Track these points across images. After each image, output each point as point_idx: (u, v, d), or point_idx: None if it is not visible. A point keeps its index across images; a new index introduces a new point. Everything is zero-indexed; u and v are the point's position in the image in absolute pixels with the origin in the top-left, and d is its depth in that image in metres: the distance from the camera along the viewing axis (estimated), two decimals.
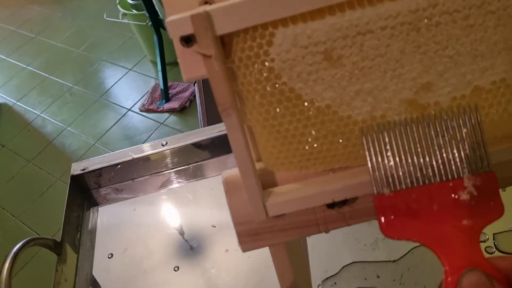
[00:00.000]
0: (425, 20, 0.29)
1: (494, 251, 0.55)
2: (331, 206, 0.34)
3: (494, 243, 0.55)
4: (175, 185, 0.72)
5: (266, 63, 0.30)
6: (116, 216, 0.69)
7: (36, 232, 1.61)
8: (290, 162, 0.33)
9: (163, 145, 0.70)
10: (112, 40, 2.32)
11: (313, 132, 0.31)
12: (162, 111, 1.90)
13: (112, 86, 2.11)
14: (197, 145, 0.67)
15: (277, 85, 0.30)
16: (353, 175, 0.34)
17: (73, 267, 0.62)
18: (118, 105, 1.99)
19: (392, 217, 0.30)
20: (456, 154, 0.29)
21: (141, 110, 1.93)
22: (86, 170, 0.69)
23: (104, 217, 0.70)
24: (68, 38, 2.49)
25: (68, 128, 1.93)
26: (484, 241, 0.56)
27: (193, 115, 1.75)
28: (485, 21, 0.29)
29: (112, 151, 1.78)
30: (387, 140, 0.30)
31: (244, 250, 0.38)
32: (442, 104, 0.31)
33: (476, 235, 0.28)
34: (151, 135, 1.81)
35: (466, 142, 0.29)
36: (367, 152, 0.30)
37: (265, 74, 0.30)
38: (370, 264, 0.56)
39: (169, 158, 0.70)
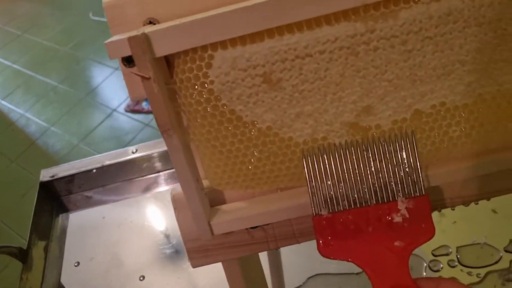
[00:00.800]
0: (363, 45, 0.29)
1: (457, 265, 0.55)
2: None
3: (457, 256, 0.56)
4: (146, 192, 0.71)
5: (206, 85, 0.30)
6: (86, 223, 0.69)
7: (17, 233, 1.60)
8: (235, 181, 0.33)
9: (133, 153, 0.69)
10: (100, 38, 2.30)
11: (256, 153, 0.32)
12: (148, 112, 1.90)
13: (98, 85, 2.10)
14: (164, 152, 0.67)
15: (217, 107, 0.30)
16: (300, 194, 0.34)
17: (39, 275, 0.62)
18: (103, 105, 1.98)
19: (330, 237, 0.31)
20: (392, 178, 0.30)
21: (126, 111, 1.92)
22: (56, 177, 0.69)
23: (74, 224, 0.70)
24: (55, 36, 2.47)
25: (52, 127, 1.92)
26: (447, 255, 0.56)
27: None
28: (423, 47, 0.29)
29: (96, 152, 1.78)
30: (326, 163, 0.30)
31: (194, 266, 0.38)
32: (383, 127, 0.31)
33: (406, 256, 0.29)
34: (136, 136, 1.81)
35: (401, 167, 0.30)
36: (306, 174, 0.30)
37: (205, 96, 0.30)
38: (334, 276, 0.56)
39: (140, 165, 0.70)
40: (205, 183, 0.35)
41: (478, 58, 0.30)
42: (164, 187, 0.73)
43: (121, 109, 1.95)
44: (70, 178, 0.70)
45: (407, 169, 0.30)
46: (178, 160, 0.31)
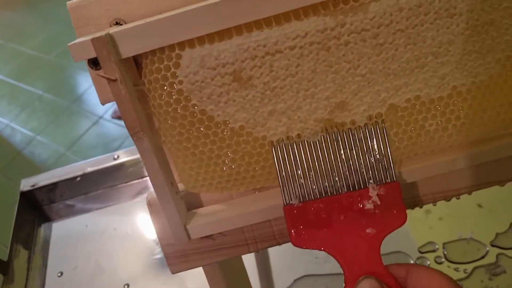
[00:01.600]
0: (334, 40, 0.28)
1: (444, 261, 0.55)
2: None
3: (443, 252, 0.56)
4: (129, 199, 0.70)
5: (175, 86, 0.29)
6: (69, 233, 0.68)
7: (5, 245, 1.57)
8: (210, 184, 0.32)
9: (115, 159, 0.68)
10: None
11: (229, 154, 0.31)
12: None
13: (84, 93, 2.07)
14: None
15: (187, 108, 0.29)
16: (277, 194, 0.34)
17: (21, 286, 0.61)
18: (89, 112, 1.96)
19: (301, 227, 0.30)
20: (363, 165, 0.30)
21: (113, 117, 1.90)
22: (36, 186, 0.68)
23: (56, 233, 0.68)
24: (39, 45, 2.44)
25: (38, 137, 1.90)
26: (434, 251, 0.56)
27: None
28: (395, 40, 0.29)
29: (84, 160, 1.77)
30: (296, 152, 0.30)
31: (173, 271, 0.37)
32: (358, 123, 0.30)
33: (377, 243, 0.29)
34: (123, 142, 1.79)
35: (372, 153, 0.30)
36: (276, 164, 0.30)
37: (174, 97, 0.29)
38: (321, 277, 0.56)
39: (121, 171, 0.69)
40: (181, 186, 0.34)
41: (451, 50, 0.29)
42: (146, 193, 0.71)
43: (108, 116, 1.93)
44: (52, 187, 0.69)
45: (377, 156, 0.30)
46: (150, 164, 0.30)
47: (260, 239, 0.36)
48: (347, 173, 0.30)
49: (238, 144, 0.30)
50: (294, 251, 0.59)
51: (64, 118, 1.98)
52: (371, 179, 0.30)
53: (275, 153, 0.30)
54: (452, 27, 0.29)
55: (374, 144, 0.30)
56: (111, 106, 1.95)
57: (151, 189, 0.32)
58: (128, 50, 0.28)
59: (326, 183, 0.30)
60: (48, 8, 2.75)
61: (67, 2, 0.30)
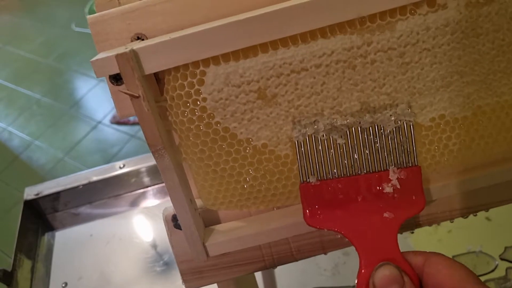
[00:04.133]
0: (360, 58, 0.28)
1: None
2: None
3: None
4: (134, 208, 0.70)
5: (198, 103, 0.28)
6: (73, 242, 0.67)
7: (3, 251, 1.55)
8: (230, 201, 0.32)
9: (120, 168, 0.68)
10: (83, 50, 2.27)
11: (251, 172, 0.30)
12: (134, 123, 1.87)
13: (82, 97, 2.06)
14: (152, 167, 0.66)
15: (210, 125, 0.29)
16: (296, 212, 0.33)
17: None
18: (88, 117, 1.95)
19: (317, 206, 0.29)
20: (385, 147, 0.29)
21: (112, 122, 1.89)
22: (40, 195, 0.67)
23: (60, 242, 0.67)
24: (37, 48, 2.43)
25: (36, 141, 1.88)
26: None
27: None
28: (421, 59, 0.28)
29: (82, 166, 1.75)
30: (317, 129, 0.29)
31: None
32: None
33: (395, 229, 0.28)
34: (122, 148, 1.78)
35: (395, 136, 0.29)
36: (295, 140, 0.29)
37: (197, 114, 0.29)
38: None
39: (127, 180, 0.68)
40: (199, 202, 0.34)
41: (476, 70, 0.29)
42: (153, 202, 0.71)
43: (107, 121, 1.92)
44: (56, 196, 0.68)
45: (400, 138, 0.29)
46: (170, 181, 0.30)
47: (277, 255, 0.36)
48: (368, 153, 0.29)
49: (260, 162, 0.30)
50: (302, 262, 0.58)
51: (62, 122, 1.97)
52: (392, 162, 0.29)
53: (295, 129, 0.29)
54: (478, 47, 0.28)
55: (398, 126, 0.29)
56: (110, 111, 1.94)
57: (169, 204, 0.32)
58: (152, 66, 0.27)
59: (346, 163, 0.29)
60: (46, 12, 2.74)
61: (87, 17, 0.30)
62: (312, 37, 0.28)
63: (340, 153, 0.29)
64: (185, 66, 0.28)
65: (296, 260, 0.36)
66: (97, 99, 2.05)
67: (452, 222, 0.37)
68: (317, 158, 0.29)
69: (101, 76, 0.28)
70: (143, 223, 0.68)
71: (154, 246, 0.65)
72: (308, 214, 0.29)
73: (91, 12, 2.02)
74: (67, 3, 2.70)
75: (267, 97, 0.28)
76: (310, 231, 0.34)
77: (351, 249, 0.39)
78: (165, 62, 0.27)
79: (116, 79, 0.29)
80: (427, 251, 0.28)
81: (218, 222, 0.35)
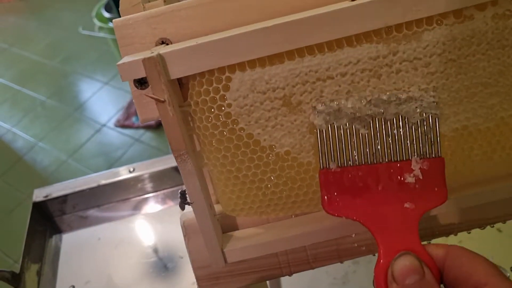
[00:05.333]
0: (386, 67, 0.28)
1: None
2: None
3: None
4: (142, 212, 0.70)
5: (223, 108, 0.28)
6: (80, 245, 0.67)
7: (4, 252, 1.55)
8: (250, 208, 0.32)
9: (130, 172, 0.68)
10: (88, 53, 2.28)
11: (273, 178, 0.30)
12: (138, 127, 1.87)
13: (87, 100, 2.06)
14: (161, 172, 0.66)
15: (234, 131, 0.29)
16: (315, 220, 0.33)
17: None
18: (92, 120, 1.95)
19: (336, 193, 0.29)
20: (408, 136, 0.28)
21: (116, 126, 1.89)
22: (49, 197, 0.67)
23: (68, 245, 0.67)
24: (43, 50, 2.44)
25: (40, 143, 1.88)
26: None
27: None
28: (446, 69, 0.28)
29: (86, 168, 1.75)
30: (339, 116, 0.28)
31: None
32: None
33: (415, 220, 0.28)
34: (126, 151, 1.78)
35: (419, 125, 0.28)
36: (318, 128, 0.28)
37: (222, 119, 0.29)
38: None
39: (137, 184, 0.68)
40: (217, 208, 0.34)
41: (500, 81, 0.29)
42: (161, 207, 0.71)
43: (111, 124, 1.93)
44: (64, 198, 0.68)
45: (424, 128, 0.28)
46: (192, 186, 0.30)
47: (293, 263, 0.36)
48: (391, 142, 0.28)
49: (282, 169, 0.30)
50: (312, 271, 0.58)
51: (66, 125, 1.97)
52: (415, 151, 0.28)
53: (317, 114, 0.28)
54: (503, 58, 0.29)
55: (423, 115, 0.28)
56: (115, 114, 1.94)
57: (190, 210, 0.32)
58: (178, 71, 0.27)
59: (368, 150, 0.28)
60: (52, 14, 2.76)
61: (113, 20, 0.30)
62: (338, 46, 0.28)
63: (362, 141, 0.29)
64: (211, 71, 0.28)
65: (312, 268, 0.36)
66: (101, 102, 2.05)
67: (469, 233, 0.37)
68: (338, 144, 0.29)
69: (126, 80, 0.28)
70: (153, 228, 0.68)
71: (162, 251, 0.64)
72: (326, 201, 0.29)
73: (99, 16, 2.02)
74: (74, 7, 2.71)
75: (292, 104, 0.28)
76: (327, 239, 0.34)
77: (362, 258, 0.38)
78: (191, 67, 0.27)
79: (140, 83, 0.29)
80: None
81: (235, 228, 0.35)
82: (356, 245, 0.35)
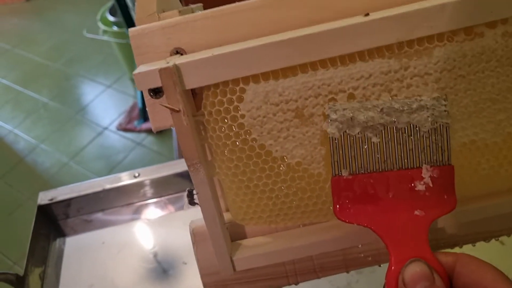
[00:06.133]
0: (397, 82, 0.28)
1: None
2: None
3: None
4: (147, 217, 0.70)
5: (236, 119, 0.29)
6: (84, 249, 0.67)
7: (3, 253, 1.55)
8: (259, 217, 0.32)
9: (135, 177, 0.68)
10: (91, 56, 2.29)
11: (283, 189, 0.31)
12: (140, 131, 1.88)
13: (89, 103, 2.07)
14: (165, 178, 0.66)
15: (246, 141, 0.29)
16: (322, 230, 0.34)
17: None
18: (94, 122, 1.96)
19: (347, 200, 0.29)
20: (419, 145, 0.29)
21: (118, 129, 1.90)
22: (54, 200, 0.67)
23: (71, 249, 0.67)
24: (46, 52, 2.44)
25: (41, 145, 1.89)
26: None
27: (171, 137, 1.73)
28: (456, 85, 0.29)
29: (87, 171, 1.75)
30: (352, 125, 0.29)
31: None
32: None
33: (425, 227, 0.28)
34: (127, 155, 1.78)
35: (430, 135, 0.29)
36: (330, 136, 0.29)
37: (235, 130, 0.29)
38: None
39: (141, 189, 0.69)
40: (226, 216, 0.34)
41: (509, 97, 0.30)
42: (164, 212, 0.71)
43: (113, 127, 1.93)
44: (69, 202, 0.68)
45: (435, 137, 0.29)
46: (203, 194, 0.30)
47: (300, 272, 0.36)
48: (402, 150, 0.29)
49: (293, 180, 0.30)
50: (314, 281, 0.58)
51: (68, 127, 1.97)
52: (425, 160, 0.29)
53: (331, 118, 0.29)
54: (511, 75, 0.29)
55: (434, 124, 0.28)
56: (117, 118, 1.95)
57: (200, 217, 0.32)
58: (193, 81, 0.28)
59: (379, 158, 0.29)
60: (57, 16, 2.77)
61: (129, 29, 0.31)
62: (351, 60, 0.28)
63: (374, 149, 0.29)
64: (225, 82, 0.28)
65: (319, 277, 0.37)
66: (104, 105, 2.06)
67: (474, 246, 0.37)
68: (351, 152, 0.29)
69: (142, 89, 0.29)
70: (157, 233, 0.68)
71: (166, 256, 0.65)
72: (338, 208, 0.29)
73: (103, 19, 2.03)
74: (79, 9, 2.72)
75: (304, 116, 0.29)
76: (334, 250, 0.34)
77: (365, 268, 0.39)
78: (206, 78, 0.28)
79: (155, 92, 0.30)
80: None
81: (243, 236, 0.35)
82: (362, 255, 0.36)
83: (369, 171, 0.29)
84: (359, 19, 0.27)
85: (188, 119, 0.28)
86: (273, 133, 0.29)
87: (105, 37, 2.02)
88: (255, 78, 0.28)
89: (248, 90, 0.28)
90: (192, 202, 0.34)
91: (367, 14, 0.28)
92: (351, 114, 0.28)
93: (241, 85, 0.28)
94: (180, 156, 0.98)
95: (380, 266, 0.36)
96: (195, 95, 0.31)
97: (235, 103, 0.29)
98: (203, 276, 0.36)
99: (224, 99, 0.29)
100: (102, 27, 1.97)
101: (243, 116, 0.29)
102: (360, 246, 0.35)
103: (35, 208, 0.68)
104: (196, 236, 0.34)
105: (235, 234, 0.35)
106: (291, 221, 0.32)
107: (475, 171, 0.31)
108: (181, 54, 0.31)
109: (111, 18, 1.99)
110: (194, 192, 0.31)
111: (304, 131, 0.29)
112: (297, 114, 0.29)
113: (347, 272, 0.37)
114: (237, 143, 0.29)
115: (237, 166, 0.30)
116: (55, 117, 2.03)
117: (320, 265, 0.36)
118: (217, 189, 0.33)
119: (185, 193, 0.35)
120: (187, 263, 0.62)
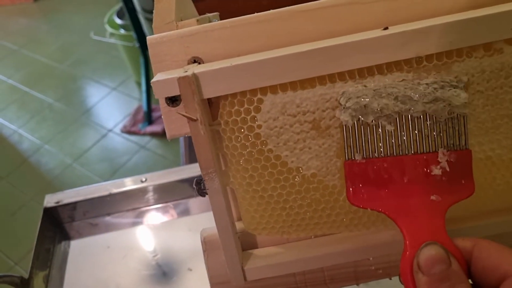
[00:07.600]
0: None
1: None
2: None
3: None
4: (153, 222, 0.70)
5: (253, 129, 0.29)
6: (88, 252, 0.67)
7: (5, 253, 1.55)
8: (272, 227, 0.32)
9: (142, 182, 0.68)
10: (97, 58, 2.29)
11: (298, 200, 0.31)
12: (144, 134, 1.88)
13: (95, 105, 2.08)
14: (172, 183, 0.66)
15: (262, 152, 0.29)
16: (334, 241, 0.33)
17: None
18: (99, 124, 1.96)
19: (361, 185, 0.28)
20: (435, 128, 0.28)
21: (122, 132, 1.90)
22: (60, 203, 0.67)
23: (76, 252, 0.67)
24: (52, 53, 2.45)
25: (45, 146, 1.89)
26: None
27: (176, 141, 1.73)
28: (474, 100, 0.29)
29: (90, 173, 1.76)
30: (366, 112, 0.28)
31: None
32: None
33: (442, 212, 0.27)
34: (131, 158, 1.78)
35: (446, 117, 0.28)
36: (344, 124, 0.28)
37: (251, 140, 0.29)
38: None
39: (147, 194, 0.68)
40: (237, 225, 0.34)
41: None
42: (171, 218, 0.71)
43: (117, 129, 1.93)
44: (75, 205, 0.68)
45: (452, 120, 0.28)
46: (217, 203, 0.30)
47: (310, 283, 0.36)
48: (417, 134, 0.28)
49: (307, 191, 0.30)
50: None
51: (73, 128, 1.98)
52: (441, 144, 0.28)
53: (344, 101, 0.28)
54: None
55: (451, 106, 0.28)
56: (121, 120, 1.95)
57: (212, 226, 0.32)
58: (211, 91, 0.28)
59: (393, 142, 0.28)
60: (64, 18, 2.78)
61: (147, 37, 0.31)
62: (369, 73, 0.28)
63: (388, 133, 0.28)
64: (243, 93, 0.28)
65: None
66: (109, 107, 2.06)
67: None
68: (364, 137, 0.28)
69: (160, 97, 0.29)
70: (162, 239, 0.68)
71: (171, 262, 0.64)
72: (351, 192, 0.29)
73: (111, 22, 2.04)
74: (86, 12, 2.74)
75: (321, 128, 0.29)
76: (346, 261, 0.34)
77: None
78: (224, 87, 0.28)
79: (172, 100, 0.30)
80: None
81: (255, 246, 0.35)
82: (373, 267, 0.35)
83: (383, 155, 0.28)
84: (378, 32, 0.27)
85: (205, 128, 0.28)
86: (289, 144, 0.29)
87: (112, 40, 2.03)
88: (273, 89, 0.28)
89: (265, 100, 0.28)
90: (201, 192, 0.33)
91: (386, 28, 0.28)
92: (365, 102, 0.28)
93: (259, 95, 0.28)
94: (187, 162, 0.98)
95: (391, 279, 0.36)
96: (211, 104, 0.31)
97: (252, 113, 0.29)
98: (213, 285, 0.35)
99: (241, 109, 0.29)
100: (109, 29, 1.98)
101: (259, 126, 0.29)
102: (371, 259, 0.35)
103: (38, 209, 0.68)
104: (207, 244, 0.34)
105: (246, 244, 0.35)
106: (304, 232, 0.32)
107: (490, 186, 0.31)
108: (199, 63, 0.31)
109: (118, 21, 2.00)
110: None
111: (320, 143, 0.29)
112: (314, 126, 0.29)
113: (357, 284, 0.37)
114: (253, 153, 0.29)
115: (252, 176, 0.30)
116: (60, 118, 2.03)
117: (330, 276, 0.36)
118: (229, 198, 0.33)
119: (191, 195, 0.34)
120: (192, 269, 0.62)
